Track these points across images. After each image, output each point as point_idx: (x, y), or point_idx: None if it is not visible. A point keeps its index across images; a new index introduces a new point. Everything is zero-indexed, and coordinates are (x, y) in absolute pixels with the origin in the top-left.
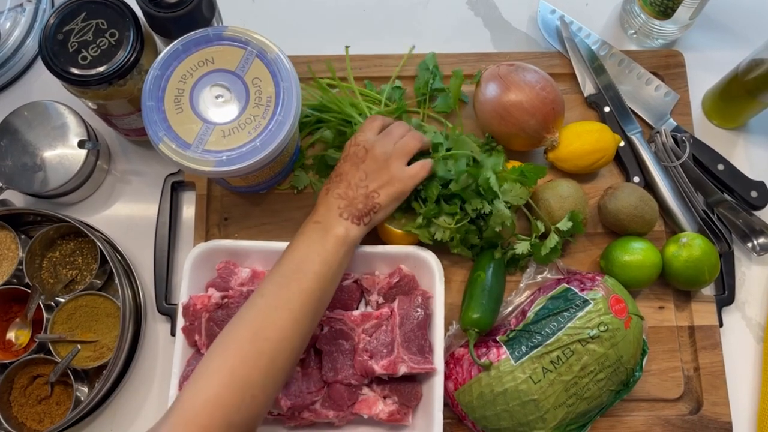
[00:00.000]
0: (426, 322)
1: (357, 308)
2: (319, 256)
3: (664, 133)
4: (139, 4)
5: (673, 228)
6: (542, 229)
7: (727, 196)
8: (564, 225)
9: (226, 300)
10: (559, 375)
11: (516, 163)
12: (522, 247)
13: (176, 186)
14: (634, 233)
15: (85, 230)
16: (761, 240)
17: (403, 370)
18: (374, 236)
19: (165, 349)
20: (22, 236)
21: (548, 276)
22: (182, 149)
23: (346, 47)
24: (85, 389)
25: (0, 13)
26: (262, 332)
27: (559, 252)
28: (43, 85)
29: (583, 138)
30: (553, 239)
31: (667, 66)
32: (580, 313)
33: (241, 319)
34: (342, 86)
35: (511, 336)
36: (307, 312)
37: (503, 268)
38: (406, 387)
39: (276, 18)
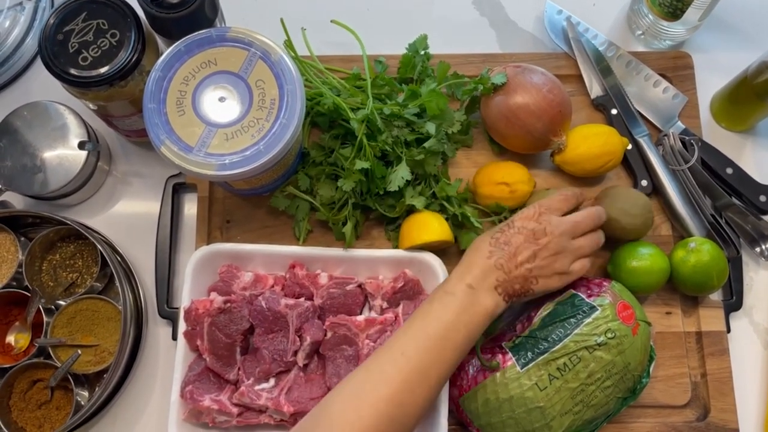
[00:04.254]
0: None
1: (361, 313)
2: (465, 328)
3: (672, 136)
4: (140, 5)
5: (681, 232)
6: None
7: (735, 200)
8: None
9: (228, 305)
10: (565, 382)
11: (512, 164)
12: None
13: (178, 188)
14: (631, 240)
15: (85, 233)
16: None
17: None
18: (379, 240)
19: (166, 353)
20: (22, 238)
21: None
22: (184, 152)
23: (302, 29)
24: (86, 394)
25: None
26: (399, 396)
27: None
28: (42, 84)
29: (590, 141)
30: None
31: (675, 68)
32: (587, 320)
33: (381, 371)
34: (305, 63)
35: (517, 342)
36: (440, 386)
37: None
38: None
39: (279, 17)
